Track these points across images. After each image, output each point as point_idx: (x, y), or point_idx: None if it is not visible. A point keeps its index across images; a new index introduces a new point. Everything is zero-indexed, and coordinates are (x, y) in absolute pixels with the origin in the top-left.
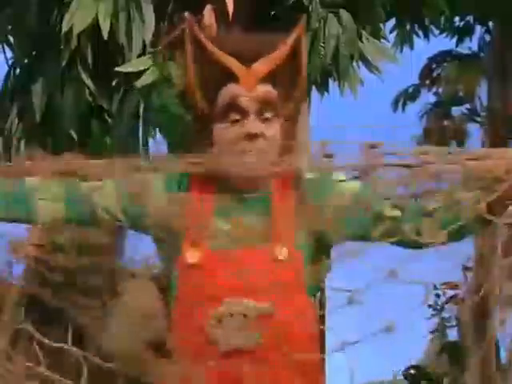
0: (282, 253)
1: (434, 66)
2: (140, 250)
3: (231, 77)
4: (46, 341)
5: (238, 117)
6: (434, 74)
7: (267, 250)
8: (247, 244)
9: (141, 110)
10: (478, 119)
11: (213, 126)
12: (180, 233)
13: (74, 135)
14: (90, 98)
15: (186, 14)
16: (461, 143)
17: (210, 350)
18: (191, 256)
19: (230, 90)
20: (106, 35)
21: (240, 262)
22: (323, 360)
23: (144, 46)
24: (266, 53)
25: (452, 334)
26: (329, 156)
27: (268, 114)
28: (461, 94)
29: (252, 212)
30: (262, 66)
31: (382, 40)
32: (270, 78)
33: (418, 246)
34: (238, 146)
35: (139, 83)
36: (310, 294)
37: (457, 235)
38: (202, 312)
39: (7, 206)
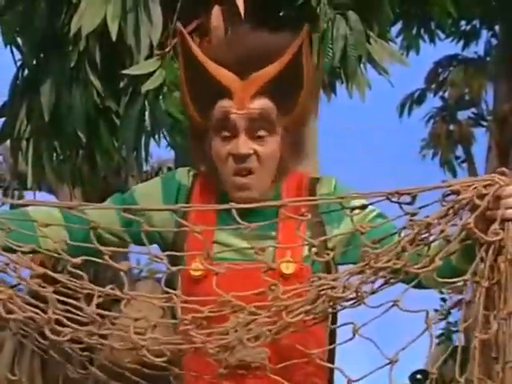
0: (289, 267)
1: (439, 70)
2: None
3: (224, 91)
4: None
5: (228, 134)
6: (440, 78)
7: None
8: (252, 257)
9: (147, 113)
10: (484, 123)
11: (211, 139)
12: (183, 245)
13: (82, 136)
14: (98, 100)
15: (178, 24)
16: (467, 147)
17: (215, 366)
18: (195, 269)
19: (221, 105)
20: (114, 36)
21: (244, 276)
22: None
23: (151, 46)
24: (267, 61)
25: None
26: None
27: (262, 132)
28: (467, 97)
29: (257, 224)
30: (258, 79)
31: (390, 42)
32: (269, 88)
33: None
34: (229, 165)
35: (145, 87)
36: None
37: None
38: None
39: (7, 236)
